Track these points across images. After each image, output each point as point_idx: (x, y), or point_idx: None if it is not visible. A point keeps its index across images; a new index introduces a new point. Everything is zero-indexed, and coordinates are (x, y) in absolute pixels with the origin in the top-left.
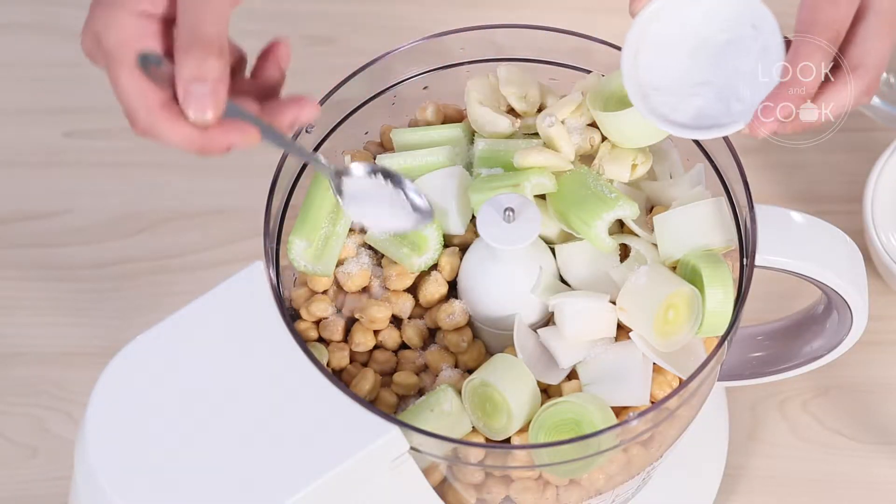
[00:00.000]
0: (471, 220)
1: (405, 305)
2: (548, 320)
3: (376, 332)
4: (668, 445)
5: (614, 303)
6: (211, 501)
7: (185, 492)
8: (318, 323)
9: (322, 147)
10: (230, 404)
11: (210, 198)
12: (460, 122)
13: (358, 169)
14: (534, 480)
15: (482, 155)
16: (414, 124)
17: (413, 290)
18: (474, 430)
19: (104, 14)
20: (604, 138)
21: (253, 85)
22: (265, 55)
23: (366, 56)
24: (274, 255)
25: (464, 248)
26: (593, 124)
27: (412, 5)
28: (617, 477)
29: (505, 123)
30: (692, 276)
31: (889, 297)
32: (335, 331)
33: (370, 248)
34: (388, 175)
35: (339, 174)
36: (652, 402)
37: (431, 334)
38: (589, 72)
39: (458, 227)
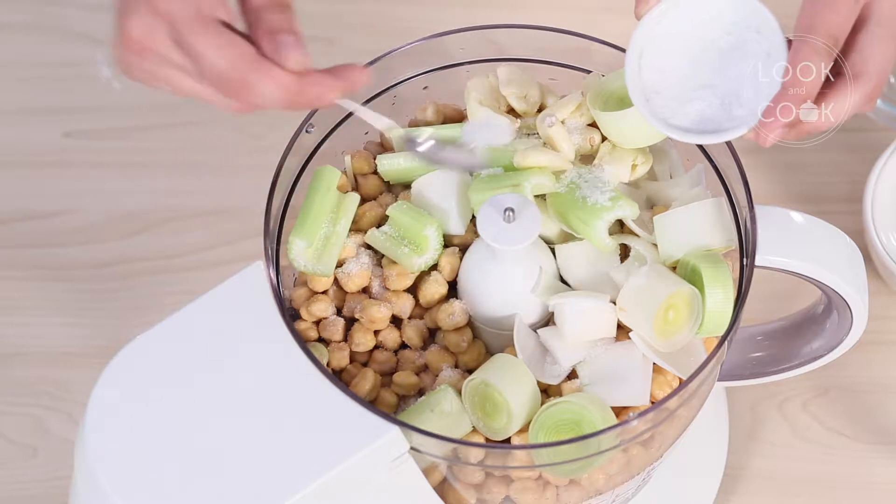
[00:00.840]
0: (471, 220)
1: (405, 305)
2: (548, 320)
3: (376, 332)
4: (668, 445)
5: (614, 303)
6: (211, 501)
7: (184, 492)
8: (318, 323)
9: (322, 147)
10: (230, 404)
11: (210, 198)
12: (460, 122)
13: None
14: (534, 480)
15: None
16: (414, 124)
17: (413, 290)
18: (474, 430)
19: None
20: (604, 138)
21: None
22: None
23: (366, 56)
24: (274, 255)
25: (464, 248)
26: (593, 124)
27: (412, 5)
28: (617, 477)
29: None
30: (692, 276)
31: (889, 297)
32: (335, 331)
33: (370, 248)
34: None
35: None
36: (652, 402)
37: (431, 334)
38: (589, 72)
39: (458, 227)
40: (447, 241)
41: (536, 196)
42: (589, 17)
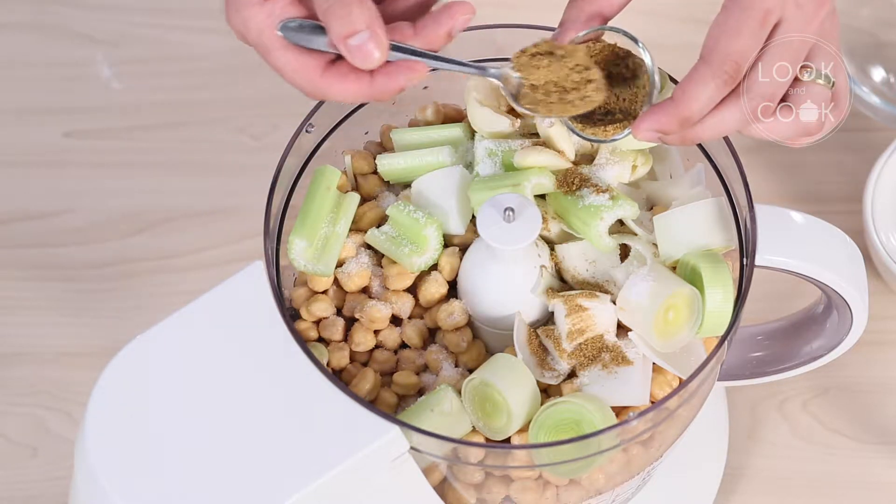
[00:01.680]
0: (471, 220)
1: (405, 305)
2: (548, 320)
3: (376, 332)
4: (668, 445)
5: (614, 303)
6: (211, 501)
7: (184, 492)
8: (318, 323)
9: (322, 147)
10: (230, 404)
11: (210, 198)
12: (460, 122)
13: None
14: (534, 480)
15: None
16: (414, 124)
17: (413, 290)
18: (474, 430)
19: (235, 15)
20: None
21: (405, 4)
22: None
23: None
24: (274, 255)
25: (464, 248)
26: None
27: None
28: (617, 477)
29: (505, 123)
30: (692, 276)
31: (889, 297)
32: (335, 331)
33: (370, 248)
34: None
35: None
36: (652, 402)
37: (431, 334)
38: None
39: (458, 227)
40: (447, 241)
41: (536, 196)
42: None
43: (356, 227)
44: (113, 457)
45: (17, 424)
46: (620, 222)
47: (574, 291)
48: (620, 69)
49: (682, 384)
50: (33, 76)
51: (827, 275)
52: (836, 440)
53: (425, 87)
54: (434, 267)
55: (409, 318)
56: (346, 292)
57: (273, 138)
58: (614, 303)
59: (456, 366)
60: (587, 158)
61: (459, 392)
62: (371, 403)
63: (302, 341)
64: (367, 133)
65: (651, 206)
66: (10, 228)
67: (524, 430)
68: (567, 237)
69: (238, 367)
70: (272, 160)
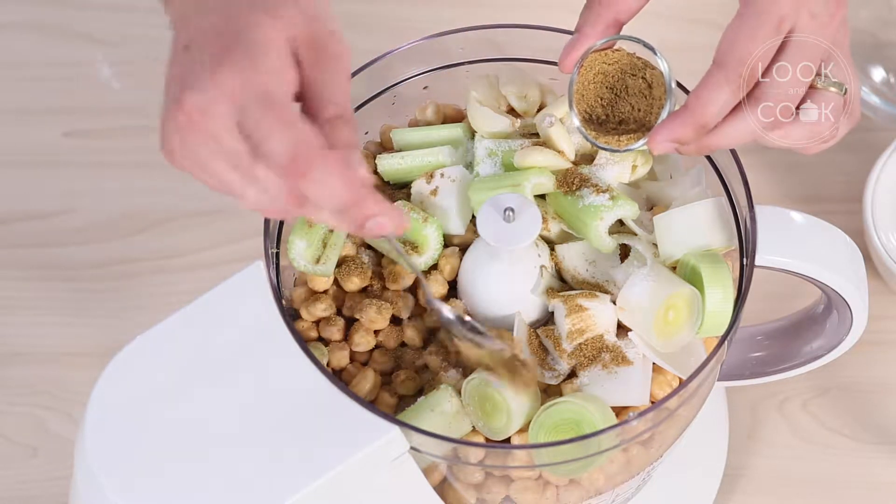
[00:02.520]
0: (471, 220)
1: (405, 305)
2: (548, 320)
3: (376, 332)
4: (668, 445)
5: (614, 303)
6: (211, 501)
7: (184, 492)
8: (318, 323)
9: None
10: (230, 404)
11: (210, 198)
12: (460, 122)
13: None
14: (534, 480)
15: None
16: (414, 124)
17: (413, 290)
18: (474, 430)
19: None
20: None
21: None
22: None
23: (366, 56)
24: (274, 255)
25: (464, 248)
26: None
27: (412, 5)
28: (617, 477)
29: (505, 123)
30: (692, 276)
31: (889, 297)
32: (335, 331)
33: (370, 248)
34: None
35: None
36: (652, 402)
37: (431, 334)
38: None
39: (458, 227)
40: (447, 241)
41: (536, 196)
42: None
43: None
44: (113, 457)
45: (17, 424)
46: (620, 222)
47: (574, 291)
48: (637, 79)
49: (682, 384)
50: (33, 76)
51: (827, 275)
52: (836, 440)
53: (425, 88)
54: (434, 267)
55: (409, 318)
56: (346, 292)
57: None
58: (614, 303)
59: (456, 366)
60: (587, 158)
61: (459, 392)
62: (371, 403)
63: (302, 341)
64: (367, 133)
65: (651, 206)
66: (10, 228)
67: (524, 430)
68: (567, 237)
69: (238, 367)
70: None
